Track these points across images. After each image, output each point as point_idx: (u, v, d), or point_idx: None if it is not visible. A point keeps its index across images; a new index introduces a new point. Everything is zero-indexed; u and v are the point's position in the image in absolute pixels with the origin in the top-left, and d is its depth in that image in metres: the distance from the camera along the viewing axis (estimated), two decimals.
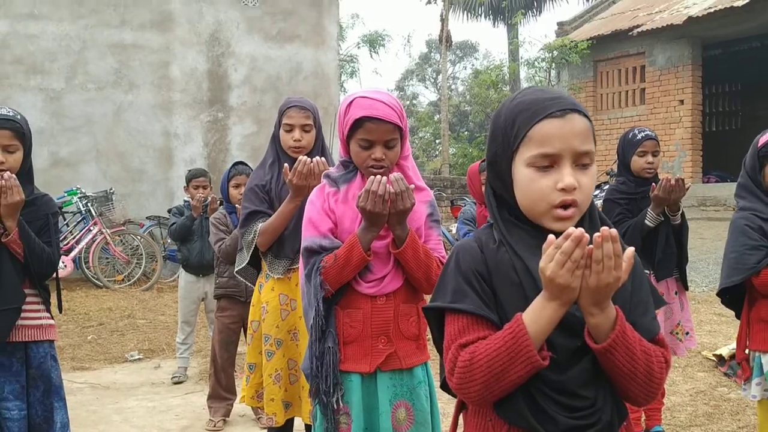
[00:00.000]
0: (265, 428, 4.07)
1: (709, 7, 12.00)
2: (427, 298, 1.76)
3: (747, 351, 2.79)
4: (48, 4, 9.98)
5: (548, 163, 1.36)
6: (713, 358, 5.04)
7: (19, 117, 2.56)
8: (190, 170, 5.68)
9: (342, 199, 2.23)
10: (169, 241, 9.98)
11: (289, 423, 3.13)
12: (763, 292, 2.66)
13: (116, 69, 10.38)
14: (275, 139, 3.06)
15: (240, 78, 11.25)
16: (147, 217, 10.13)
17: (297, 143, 2.98)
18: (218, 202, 4.80)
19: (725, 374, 4.81)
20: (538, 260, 1.29)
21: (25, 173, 2.57)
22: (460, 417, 1.54)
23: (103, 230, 9.03)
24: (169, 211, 10.09)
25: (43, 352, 2.68)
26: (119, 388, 5.05)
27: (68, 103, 10.01)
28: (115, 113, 10.37)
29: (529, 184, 1.37)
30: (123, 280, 9.22)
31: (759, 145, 2.72)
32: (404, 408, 2.21)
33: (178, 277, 9.07)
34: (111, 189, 9.77)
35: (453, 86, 29.50)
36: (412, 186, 2.18)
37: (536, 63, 16.17)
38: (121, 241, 9.46)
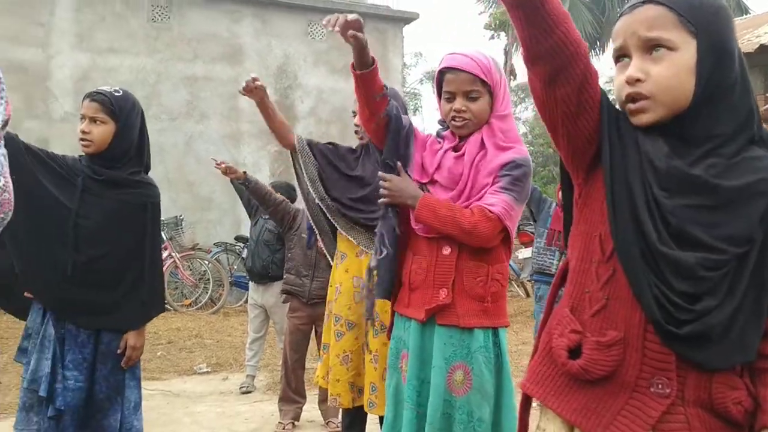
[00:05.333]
0: None
1: None
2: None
3: None
4: (126, 39, 10.40)
5: (621, 56, 1.31)
6: None
7: (114, 94, 2.52)
8: None
9: (432, 146, 2.24)
10: (235, 267, 10.11)
11: (362, 414, 3.07)
12: None
13: (188, 100, 10.71)
14: None
15: (306, 109, 11.45)
16: (215, 244, 10.29)
17: None
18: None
19: None
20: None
21: (122, 151, 2.51)
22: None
23: (173, 254, 9.19)
24: (236, 238, 10.35)
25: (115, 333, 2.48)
26: (189, 395, 5.07)
27: None
28: (186, 143, 10.66)
29: (614, 82, 1.33)
30: (191, 304, 9.34)
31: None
32: (462, 371, 2.10)
33: (244, 302, 9.17)
34: (181, 215, 9.99)
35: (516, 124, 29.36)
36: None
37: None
38: (189, 266, 9.61)
